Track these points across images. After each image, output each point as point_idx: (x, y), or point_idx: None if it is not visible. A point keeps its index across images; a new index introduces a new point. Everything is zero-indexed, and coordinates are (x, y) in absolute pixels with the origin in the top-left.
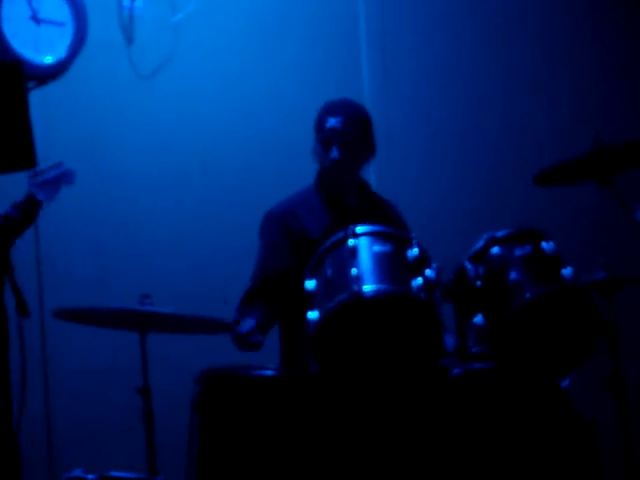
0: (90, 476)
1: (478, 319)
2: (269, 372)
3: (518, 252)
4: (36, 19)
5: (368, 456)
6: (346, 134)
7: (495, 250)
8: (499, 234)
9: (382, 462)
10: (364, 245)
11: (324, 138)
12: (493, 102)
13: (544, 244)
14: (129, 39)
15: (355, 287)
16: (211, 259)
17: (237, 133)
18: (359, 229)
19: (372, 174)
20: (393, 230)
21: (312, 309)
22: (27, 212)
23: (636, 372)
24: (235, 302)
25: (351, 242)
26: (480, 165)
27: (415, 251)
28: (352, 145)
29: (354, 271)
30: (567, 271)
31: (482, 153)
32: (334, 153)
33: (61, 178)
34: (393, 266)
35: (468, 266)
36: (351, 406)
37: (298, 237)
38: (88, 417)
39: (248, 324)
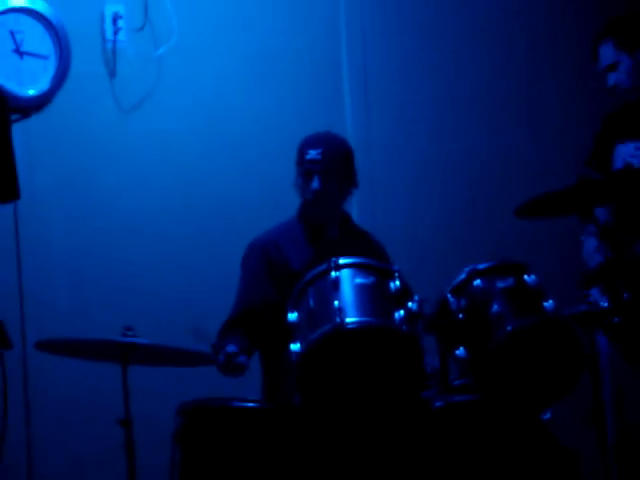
0: None
1: (460, 352)
2: (250, 404)
3: (500, 284)
4: (19, 52)
5: (344, 470)
6: (326, 165)
7: (477, 282)
8: (481, 267)
9: (356, 476)
10: (346, 277)
11: (305, 170)
12: (476, 135)
13: (526, 277)
14: (112, 72)
15: (337, 319)
16: (193, 291)
17: (219, 166)
18: (341, 261)
19: (354, 206)
20: (375, 262)
21: (294, 341)
22: None
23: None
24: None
25: (333, 274)
26: (462, 197)
27: (397, 283)
28: (333, 176)
29: (336, 303)
30: (549, 304)
31: (464, 185)
32: (315, 184)
33: None
34: (375, 298)
35: (450, 298)
36: (334, 438)
37: (280, 268)
38: (69, 447)
39: (230, 348)
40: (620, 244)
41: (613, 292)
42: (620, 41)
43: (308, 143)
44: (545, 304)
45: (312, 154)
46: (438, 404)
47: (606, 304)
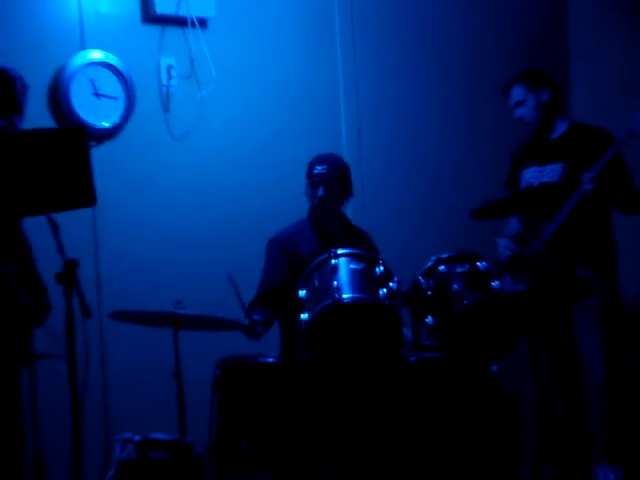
0: (136, 437)
1: (429, 319)
2: (271, 360)
3: (459, 269)
4: (97, 95)
5: (344, 420)
6: (329, 177)
7: (441, 268)
8: (444, 256)
9: (354, 426)
10: (343, 263)
11: (313, 181)
12: (443, 157)
13: (478, 263)
14: (166, 109)
15: (336, 295)
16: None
17: (247, 178)
18: (339, 251)
19: (349, 209)
20: (365, 252)
21: (303, 312)
22: None
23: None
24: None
25: (333, 261)
26: (431, 203)
27: (381, 268)
28: (334, 186)
29: (335, 283)
30: (495, 284)
31: (433, 194)
32: (320, 192)
33: None
34: (365, 279)
35: (421, 280)
36: (333, 384)
37: (294, 257)
38: (135, 394)
39: (255, 316)
40: (523, 243)
41: (518, 279)
42: (529, 85)
43: (315, 161)
44: (492, 284)
45: (319, 169)
46: (412, 359)
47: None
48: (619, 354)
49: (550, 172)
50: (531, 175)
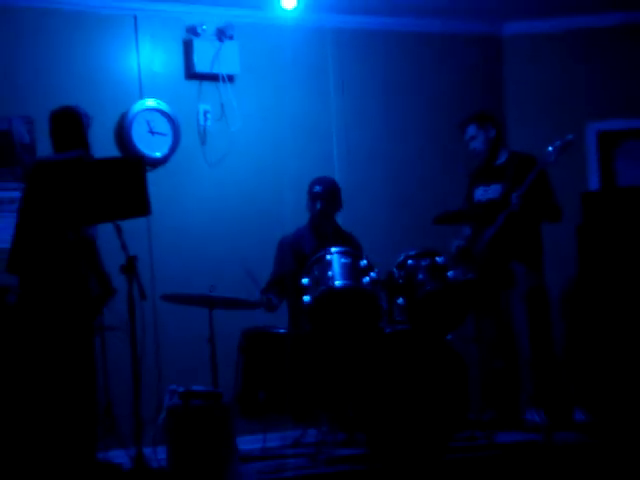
0: (180, 389)
1: (400, 301)
2: (282, 330)
3: (423, 263)
4: (151, 132)
5: (337, 375)
6: (325, 195)
7: (410, 262)
8: (411, 252)
9: (344, 379)
10: (335, 258)
11: (312, 197)
12: (412, 176)
13: (437, 258)
14: (203, 142)
15: (330, 282)
16: (250, 267)
17: (265, 194)
18: (332, 249)
19: (340, 217)
20: (351, 250)
21: (306, 295)
22: None
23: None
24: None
25: (328, 257)
26: (402, 212)
27: (365, 262)
28: (328, 202)
29: (330, 273)
30: (450, 274)
31: (403, 204)
32: (318, 206)
33: None
34: (352, 270)
35: (394, 271)
36: (329, 349)
37: (299, 253)
38: (180, 356)
39: (269, 296)
40: (471, 243)
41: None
42: (479, 124)
43: (315, 182)
44: (448, 274)
45: (317, 189)
46: (387, 330)
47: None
48: (542, 328)
49: (493, 191)
50: (480, 193)
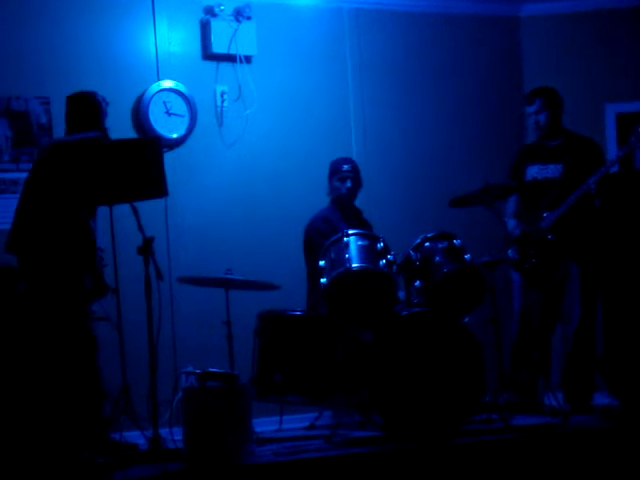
0: (197, 370)
1: (417, 283)
2: (298, 312)
3: (440, 245)
4: (168, 113)
5: (354, 357)
6: (354, 173)
7: (427, 244)
8: (429, 235)
9: (361, 361)
10: (353, 241)
11: (342, 176)
12: (430, 160)
13: (455, 241)
14: (220, 124)
15: (347, 264)
16: (266, 248)
17: (281, 175)
18: (350, 232)
19: (358, 198)
20: (368, 232)
21: (323, 277)
22: None
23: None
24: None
25: (345, 239)
26: (420, 194)
27: (381, 244)
28: (356, 180)
29: (347, 256)
30: (467, 256)
31: (421, 185)
32: (348, 184)
33: None
34: (369, 253)
35: (411, 253)
36: (345, 331)
37: (334, 232)
38: (197, 337)
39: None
40: (529, 223)
41: (524, 251)
42: (547, 99)
43: (341, 161)
44: (465, 257)
45: (346, 167)
46: (404, 313)
47: (517, 257)
48: (591, 307)
49: (552, 170)
50: (535, 171)
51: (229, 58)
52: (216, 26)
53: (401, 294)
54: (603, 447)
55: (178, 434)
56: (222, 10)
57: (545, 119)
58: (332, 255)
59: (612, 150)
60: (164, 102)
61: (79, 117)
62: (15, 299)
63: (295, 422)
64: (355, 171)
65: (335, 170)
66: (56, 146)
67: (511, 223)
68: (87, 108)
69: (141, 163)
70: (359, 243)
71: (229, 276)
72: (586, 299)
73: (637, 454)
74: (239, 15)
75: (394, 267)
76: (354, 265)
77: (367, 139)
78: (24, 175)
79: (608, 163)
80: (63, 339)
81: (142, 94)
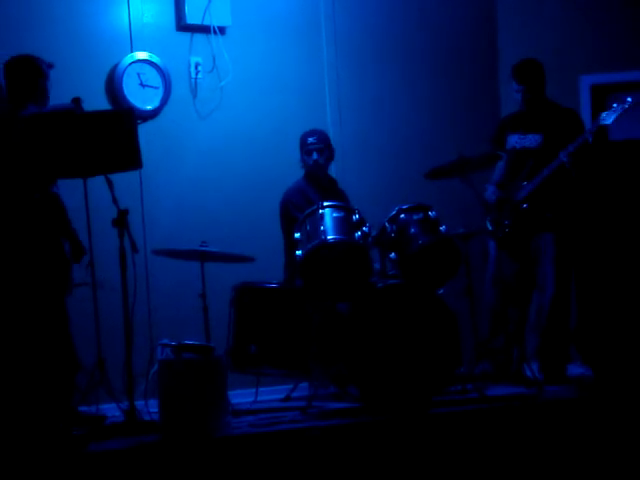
0: (173, 342)
1: (392, 255)
2: (274, 285)
3: (415, 217)
4: (142, 85)
5: (328, 328)
6: (319, 146)
7: (402, 216)
8: (404, 206)
9: (335, 332)
10: (328, 213)
11: (307, 149)
12: (405, 130)
13: (430, 212)
14: (194, 95)
15: (322, 236)
16: (242, 221)
17: (255, 147)
18: (325, 204)
19: (332, 170)
20: (344, 204)
21: (298, 249)
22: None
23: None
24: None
25: (320, 211)
26: (395, 166)
27: (357, 216)
28: (323, 152)
29: (322, 228)
30: (442, 228)
31: (397, 157)
32: (314, 156)
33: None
34: (344, 225)
35: (387, 225)
36: (320, 303)
37: (304, 203)
38: (172, 310)
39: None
40: (508, 192)
41: (498, 220)
42: (524, 74)
43: (307, 134)
44: (440, 228)
45: (310, 140)
46: (379, 285)
47: (491, 227)
48: (566, 277)
49: (530, 140)
50: (515, 140)
51: (203, 29)
52: None
53: (376, 266)
54: (577, 417)
55: (154, 406)
56: None
57: (530, 95)
58: (308, 227)
59: (587, 121)
60: (138, 74)
61: (18, 83)
62: None
63: (271, 394)
64: (322, 142)
65: (302, 143)
66: (25, 119)
67: (490, 189)
68: (26, 73)
69: (115, 135)
70: (334, 215)
71: (204, 248)
72: (560, 270)
73: (610, 424)
74: None
75: (369, 239)
76: (329, 237)
77: (342, 109)
78: None
79: (579, 138)
80: (38, 311)
81: (116, 66)
